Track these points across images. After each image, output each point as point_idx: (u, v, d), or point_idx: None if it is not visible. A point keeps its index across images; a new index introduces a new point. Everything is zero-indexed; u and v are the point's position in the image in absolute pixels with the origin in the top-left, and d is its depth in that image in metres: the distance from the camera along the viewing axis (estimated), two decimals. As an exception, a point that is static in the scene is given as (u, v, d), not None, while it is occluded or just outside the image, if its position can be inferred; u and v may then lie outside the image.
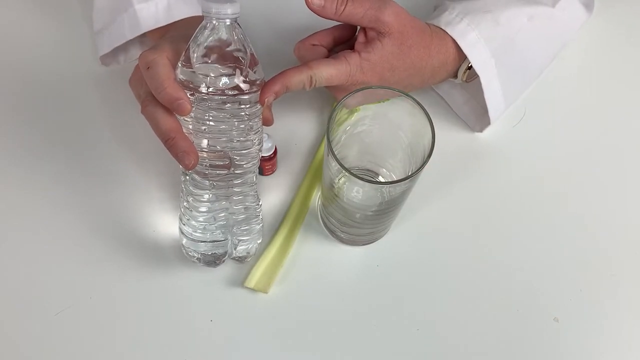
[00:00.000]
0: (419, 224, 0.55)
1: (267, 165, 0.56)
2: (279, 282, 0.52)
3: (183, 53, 0.43)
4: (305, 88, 0.49)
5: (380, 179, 0.54)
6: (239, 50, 0.43)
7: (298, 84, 0.48)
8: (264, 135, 0.53)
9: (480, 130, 0.59)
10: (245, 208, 0.49)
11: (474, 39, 0.53)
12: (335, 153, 0.43)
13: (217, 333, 0.50)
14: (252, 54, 0.44)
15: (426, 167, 0.43)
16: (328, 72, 0.49)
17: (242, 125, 0.45)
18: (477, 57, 0.54)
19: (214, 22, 0.42)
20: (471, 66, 0.54)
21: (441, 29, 0.54)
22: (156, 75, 0.43)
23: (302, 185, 0.56)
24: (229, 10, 0.42)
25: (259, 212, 0.50)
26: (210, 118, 0.44)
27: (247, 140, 0.45)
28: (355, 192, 0.47)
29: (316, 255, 0.54)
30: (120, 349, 0.50)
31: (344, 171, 0.43)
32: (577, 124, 0.62)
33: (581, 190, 0.58)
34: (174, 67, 0.44)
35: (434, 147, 0.43)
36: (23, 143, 0.57)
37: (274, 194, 0.56)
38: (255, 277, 0.51)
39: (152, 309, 0.51)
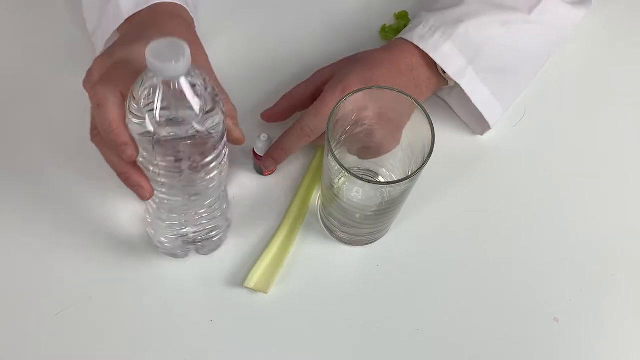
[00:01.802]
0: (419, 224, 0.55)
1: (267, 166, 0.56)
2: (279, 282, 0.52)
3: (130, 97, 0.38)
4: (304, 141, 0.53)
5: (380, 179, 0.54)
6: (194, 95, 0.37)
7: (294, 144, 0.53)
8: (264, 135, 0.53)
9: (482, 133, 0.59)
10: (212, 220, 0.49)
11: (448, 49, 0.54)
12: (335, 153, 0.43)
13: (217, 333, 0.50)
14: (211, 95, 0.38)
15: (426, 167, 0.43)
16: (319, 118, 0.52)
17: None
18: (453, 66, 0.54)
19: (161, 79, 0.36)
20: None
21: (414, 44, 0.54)
22: (105, 116, 0.41)
23: (302, 185, 0.56)
24: (178, 70, 0.35)
25: (228, 214, 0.51)
26: (167, 160, 0.40)
27: (206, 180, 0.43)
28: (355, 192, 0.47)
29: (316, 255, 0.54)
30: (120, 349, 0.50)
31: (344, 171, 0.43)
32: (577, 123, 0.62)
33: (581, 190, 0.58)
34: (126, 96, 0.40)
35: (434, 147, 0.43)
36: (22, 143, 0.57)
37: (274, 194, 0.56)
38: (255, 277, 0.51)
39: (152, 309, 0.51)
